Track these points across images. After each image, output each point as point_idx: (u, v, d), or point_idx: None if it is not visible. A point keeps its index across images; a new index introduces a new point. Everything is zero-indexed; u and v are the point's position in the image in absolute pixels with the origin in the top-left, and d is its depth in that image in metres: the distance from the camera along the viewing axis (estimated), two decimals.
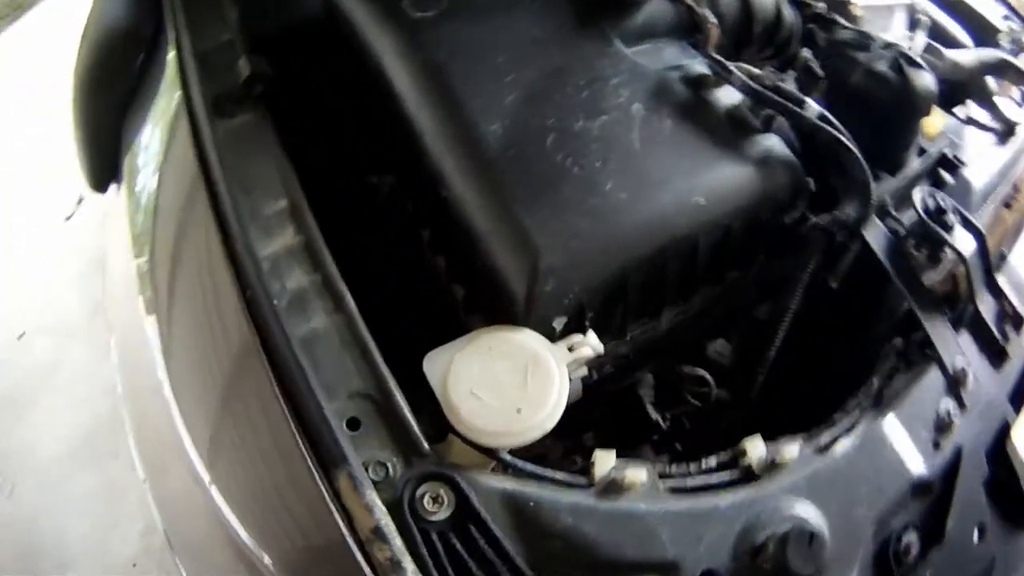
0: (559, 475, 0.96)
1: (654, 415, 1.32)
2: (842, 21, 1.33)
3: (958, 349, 1.12)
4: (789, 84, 1.31)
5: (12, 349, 3.17)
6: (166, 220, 1.33)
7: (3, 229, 3.54)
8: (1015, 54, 1.52)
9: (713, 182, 1.13)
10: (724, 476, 1.00)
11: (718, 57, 1.23)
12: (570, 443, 1.33)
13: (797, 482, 0.99)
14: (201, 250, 1.16)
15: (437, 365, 0.99)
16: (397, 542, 0.86)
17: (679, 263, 1.14)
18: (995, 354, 1.17)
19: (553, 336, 1.06)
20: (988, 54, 1.45)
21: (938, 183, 1.35)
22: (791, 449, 1.00)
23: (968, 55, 1.43)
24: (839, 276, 1.24)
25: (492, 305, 1.13)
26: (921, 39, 1.50)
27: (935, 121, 1.34)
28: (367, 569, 0.86)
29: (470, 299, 1.22)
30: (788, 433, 1.05)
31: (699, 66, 1.26)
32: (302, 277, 1.07)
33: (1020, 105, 1.48)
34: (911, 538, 1.01)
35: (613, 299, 1.12)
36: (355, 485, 0.89)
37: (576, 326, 1.09)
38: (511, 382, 0.96)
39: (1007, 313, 1.18)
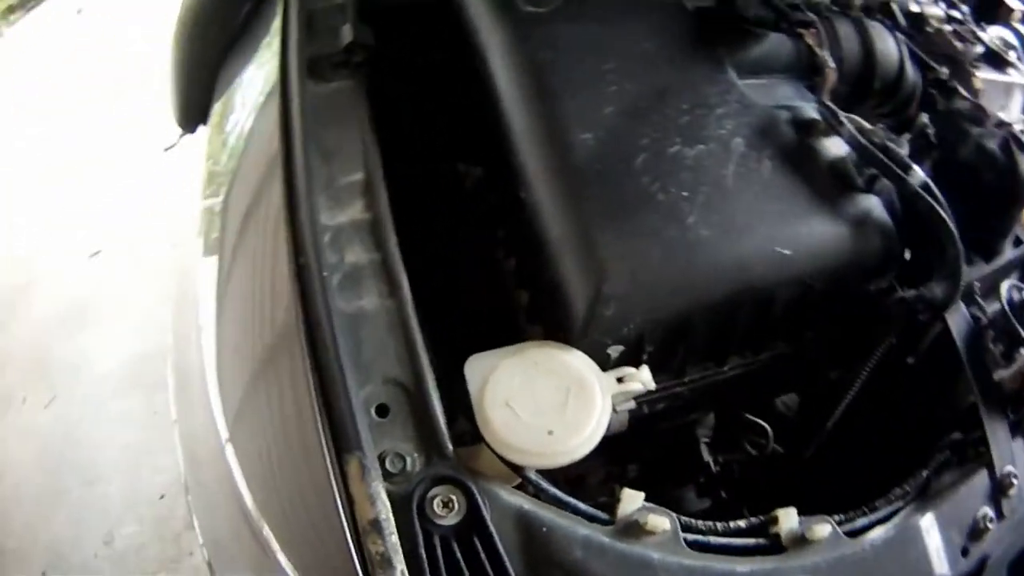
0: (581, 505, 0.95)
1: (707, 456, 1.30)
2: (962, 91, 1.28)
3: (1011, 455, 1.08)
4: (903, 147, 1.26)
5: (84, 266, 3.30)
6: (247, 168, 1.36)
7: (107, 151, 3.71)
8: None
9: (802, 235, 1.09)
10: (750, 541, 0.97)
11: (831, 105, 1.19)
12: (614, 469, 1.32)
13: (820, 564, 0.96)
14: (268, 208, 1.17)
15: (479, 369, 0.98)
16: (392, 539, 0.85)
17: (751, 314, 1.10)
18: None
19: (606, 363, 1.05)
20: None
21: None
22: (823, 528, 0.97)
23: None
24: (917, 353, 1.19)
25: (550, 318, 1.12)
26: None
27: None
28: (356, 559, 0.86)
29: (533, 307, 1.20)
30: (828, 501, 1.03)
31: (811, 110, 1.22)
32: (362, 254, 1.07)
33: None
34: None
35: (675, 337, 1.09)
36: (363, 473, 0.88)
37: (633, 358, 1.07)
38: (550, 402, 0.95)
39: None
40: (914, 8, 1.32)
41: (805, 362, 1.23)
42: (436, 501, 0.89)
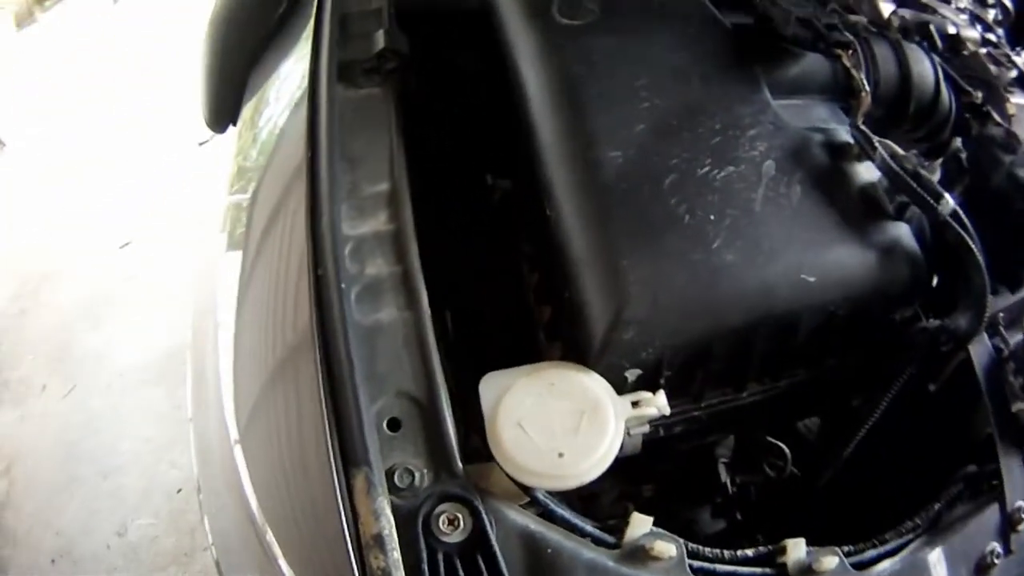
0: (589, 527, 0.95)
1: (724, 477, 1.30)
2: (996, 116, 1.27)
3: (1023, 490, 1.07)
4: (935, 172, 1.26)
5: (113, 256, 3.37)
6: (275, 168, 1.37)
7: (141, 147, 3.78)
8: None
9: (829, 262, 1.08)
10: (756, 571, 0.97)
11: (865, 129, 1.18)
12: (628, 488, 1.33)
13: None
14: (292, 213, 1.19)
15: (494, 388, 0.99)
16: (394, 555, 0.87)
17: (772, 340, 1.10)
18: None
19: (623, 387, 1.05)
20: None
21: None
22: (830, 560, 0.97)
23: None
24: (939, 382, 1.19)
25: (569, 337, 1.12)
26: None
27: None
28: (357, 572, 0.87)
29: (553, 324, 1.21)
30: (841, 528, 1.04)
31: (844, 134, 1.21)
32: (383, 266, 1.08)
33: None
34: None
35: (694, 362, 1.09)
36: (369, 488, 0.90)
37: (650, 382, 1.07)
38: (563, 424, 0.95)
39: None
40: (951, 30, 1.31)
41: (825, 389, 1.23)
42: (442, 518, 0.90)
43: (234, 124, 1.60)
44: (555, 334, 1.20)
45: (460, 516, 0.90)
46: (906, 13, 1.30)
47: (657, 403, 1.02)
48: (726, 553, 0.99)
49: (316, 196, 1.12)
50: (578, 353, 1.07)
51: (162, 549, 2.52)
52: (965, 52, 1.33)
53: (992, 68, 1.31)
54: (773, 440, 1.31)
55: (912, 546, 1.03)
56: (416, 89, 1.33)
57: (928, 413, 1.21)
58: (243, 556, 1.18)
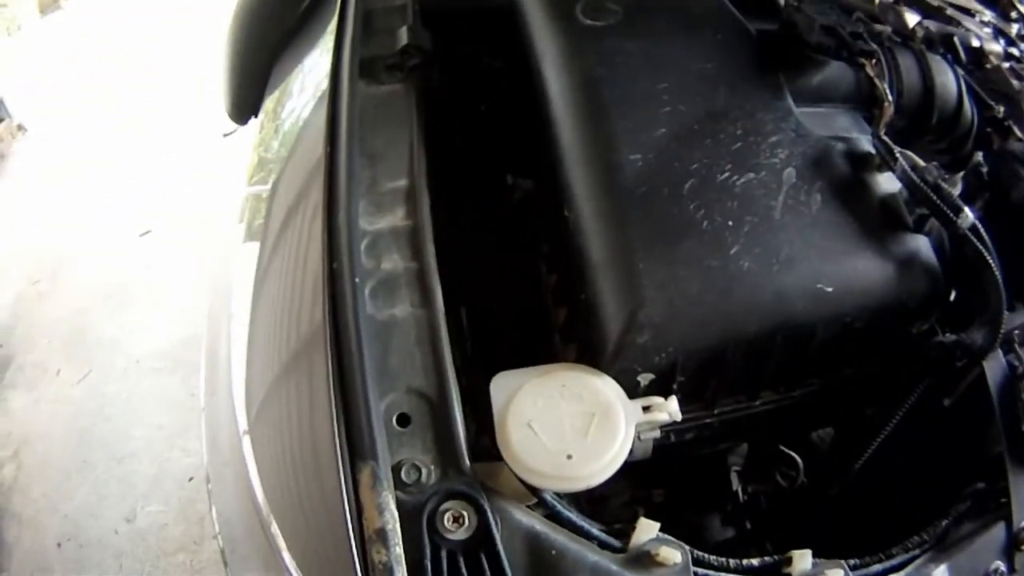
0: (595, 531, 0.96)
1: (736, 485, 1.31)
2: (1017, 131, 1.27)
3: None
4: (956, 185, 1.26)
5: (133, 245, 3.40)
6: (295, 160, 1.38)
7: (163, 141, 3.82)
8: None
9: (846, 272, 1.09)
10: None
11: (887, 139, 1.18)
12: (639, 492, 1.33)
13: None
14: (310, 206, 1.19)
15: (505, 387, 1.00)
16: (397, 550, 0.87)
17: (787, 349, 1.10)
18: None
19: (635, 390, 1.06)
20: None
21: None
22: (836, 573, 0.97)
23: None
24: (953, 397, 1.18)
25: (584, 339, 1.13)
26: None
27: None
28: (359, 567, 0.87)
29: (569, 326, 1.22)
30: (849, 540, 1.05)
31: (866, 143, 1.22)
32: (399, 262, 1.09)
33: None
34: None
35: (708, 369, 1.09)
36: (374, 482, 0.90)
37: (663, 387, 1.08)
38: (573, 427, 0.96)
39: None
40: (975, 43, 1.31)
41: (839, 399, 1.23)
42: (447, 515, 0.91)
43: (255, 116, 1.62)
44: (570, 336, 1.21)
45: (465, 514, 0.91)
46: (931, 24, 1.29)
47: (669, 408, 1.02)
48: (731, 562, 0.99)
49: (334, 190, 1.13)
50: (592, 355, 1.07)
51: (170, 536, 2.52)
52: (988, 65, 1.33)
53: (1015, 82, 1.30)
54: (785, 450, 1.31)
55: (918, 562, 1.03)
56: (439, 86, 1.34)
57: (941, 427, 1.21)
58: (248, 546, 1.19)
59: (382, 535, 0.88)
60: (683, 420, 1.09)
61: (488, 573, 0.89)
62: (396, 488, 0.92)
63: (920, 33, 1.31)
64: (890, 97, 1.22)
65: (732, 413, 1.17)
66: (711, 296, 1.04)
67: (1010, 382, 1.12)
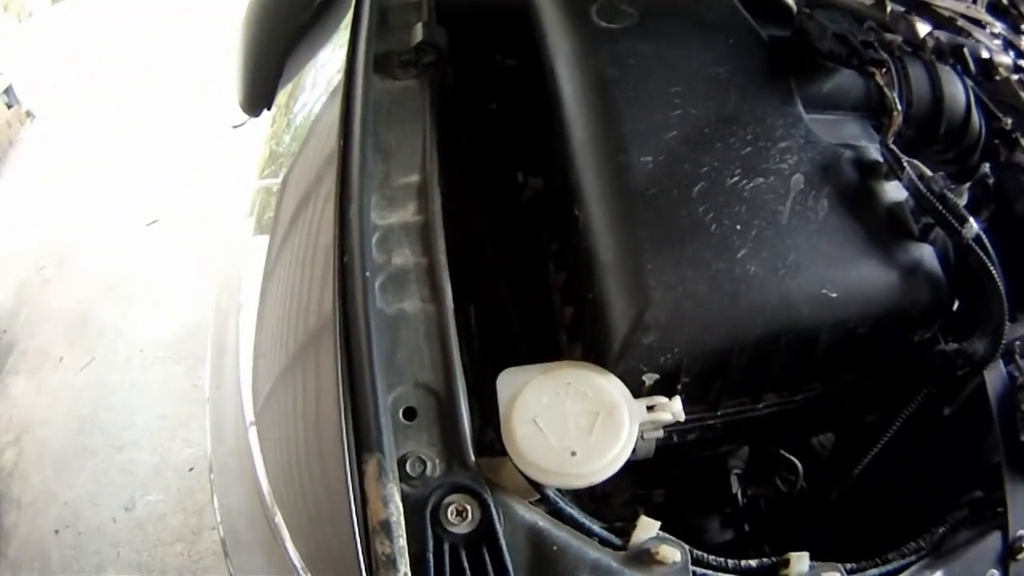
0: (596, 528, 0.97)
1: (735, 488, 1.32)
2: (1023, 142, 1.28)
3: None
4: (963, 196, 1.27)
5: (140, 234, 3.42)
6: (307, 154, 1.40)
7: (167, 136, 3.85)
8: None
9: (851, 279, 1.10)
10: None
11: (894, 148, 1.19)
12: (640, 491, 1.35)
13: None
14: (321, 200, 1.21)
15: (511, 383, 1.01)
16: (400, 541, 0.88)
17: (792, 353, 1.12)
18: None
19: (640, 390, 1.07)
20: None
21: None
22: None
23: None
24: (954, 405, 1.20)
25: (590, 338, 1.14)
26: None
27: None
28: (362, 557, 0.88)
29: (575, 325, 1.23)
30: (847, 545, 1.06)
31: (874, 152, 1.23)
32: (409, 257, 1.11)
33: None
34: None
35: (713, 371, 1.11)
36: (380, 474, 0.91)
37: (667, 388, 1.09)
38: (577, 424, 0.97)
39: None
40: (984, 55, 1.31)
41: (840, 404, 1.25)
42: (451, 508, 0.92)
43: (268, 108, 1.63)
44: (576, 335, 1.22)
45: (469, 507, 0.93)
46: (941, 35, 1.30)
47: (673, 409, 1.04)
48: (730, 562, 1.01)
49: (346, 184, 1.14)
50: (598, 354, 1.09)
51: (169, 526, 2.54)
52: (997, 77, 1.33)
53: (1023, 95, 1.31)
54: (786, 454, 1.32)
55: (913, 568, 1.04)
56: (453, 84, 1.35)
57: (941, 436, 1.23)
58: (250, 536, 1.20)
59: (386, 527, 0.89)
60: (686, 421, 1.10)
61: (490, 567, 0.90)
62: (401, 481, 0.94)
63: (930, 43, 1.32)
64: (899, 106, 1.24)
65: (735, 415, 1.19)
66: (718, 298, 1.06)
67: (1010, 393, 1.13)
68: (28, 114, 4.07)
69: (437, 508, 0.93)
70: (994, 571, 1.05)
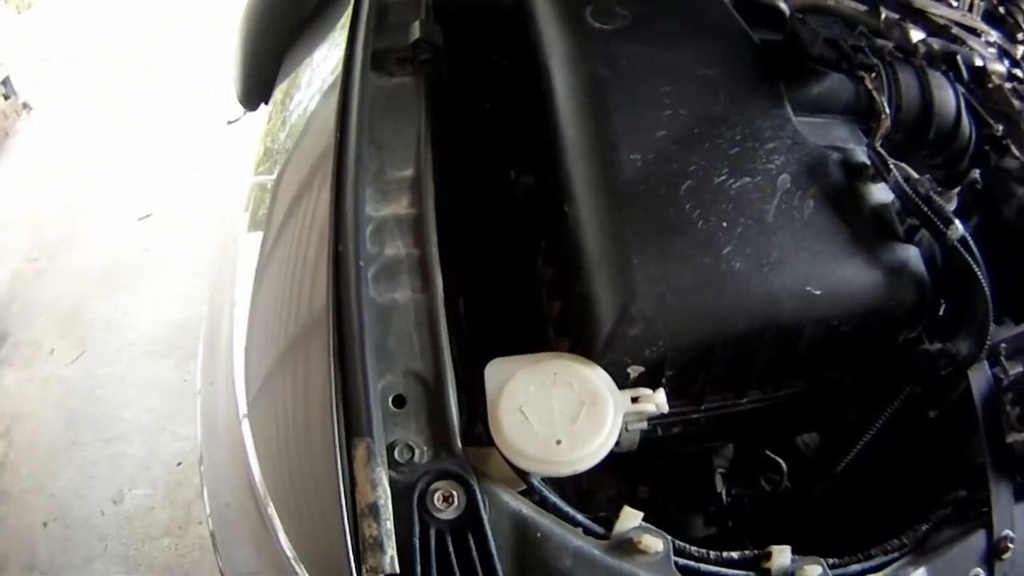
0: (580, 517, 1.00)
1: (720, 487, 1.34)
2: (1014, 149, 1.31)
3: (1011, 520, 1.10)
4: (952, 200, 1.30)
5: (132, 227, 3.44)
6: (302, 150, 1.42)
7: (165, 134, 3.88)
8: None
9: (835, 277, 1.13)
10: (740, 573, 1.01)
11: (881, 151, 1.22)
12: (625, 488, 1.37)
13: None
14: (316, 193, 1.23)
15: (499, 373, 1.04)
16: (387, 524, 0.90)
17: (775, 349, 1.14)
18: None
19: (625, 382, 1.10)
20: None
21: None
22: (813, 570, 1.01)
23: None
24: (941, 408, 1.23)
25: (577, 331, 1.17)
26: None
27: None
28: (349, 539, 0.90)
29: (562, 319, 1.26)
30: (830, 543, 1.07)
31: (861, 154, 1.26)
32: (401, 248, 1.14)
33: None
34: None
35: (696, 364, 1.14)
36: (369, 457, 0.94)
37: (651, 380, 1.11)
38: (563, 413, 1.00)
39: None
40: (978, 62, 1.34)
41: (824, 402, 1.27)
42: (437, 494, 0.95)
43: (266, 103, 1.66)
44: (563, 329, 1.25)
45: (455, 493, 0.95)
46: (934, 42, 1.32)
47: (656, 400, 1.07)
48: (712, 554, 1.03)
49: (342, 176, 1.17)
50: (584, 347, 1.11)
51: (156, 520, 2.56)
52: (990, 84, 1.35)
53: (1016, 103, 1.33)
54: (771, 454, 1.35)
55: (896, 564, 1.06)
56: (448, 81, 1.38)
57: (926, 436, 1.25)
58: (241, 528, 1.21)
59: (374, 510, 0.91)
60: (670, 414, 1.13)
61: (475, 552, 0.93)
62: (389, 467, 0.96)
63: (922, 49, 1.35)
64: (887, 110, 1.27)
65: (719, 410, 1.21)
66: (702, 293, 1.09)
67: (994, 394, 1.16)
68: (25, 106, 4.09)
69: (424, 494, 0.95)
70: (979, 570, 1.07)
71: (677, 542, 1.01)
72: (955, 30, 1.43)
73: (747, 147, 1.22)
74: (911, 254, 1.17)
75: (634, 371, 1.10)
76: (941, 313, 1.21)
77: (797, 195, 1.18)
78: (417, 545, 0.93)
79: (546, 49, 1.35)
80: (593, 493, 1.36)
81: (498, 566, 0.92)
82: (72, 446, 2.75)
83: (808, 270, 1.12)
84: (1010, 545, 1.07)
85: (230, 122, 3.45)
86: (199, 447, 1.42)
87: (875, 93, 1.28)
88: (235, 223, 1.52)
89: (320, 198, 1.20)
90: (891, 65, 1.32)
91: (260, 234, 1.39)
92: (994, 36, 1.48)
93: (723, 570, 1.02)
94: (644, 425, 1.11)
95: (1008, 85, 1.36)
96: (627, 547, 0.98)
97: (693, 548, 1.02)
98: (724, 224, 1.13)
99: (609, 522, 1.00)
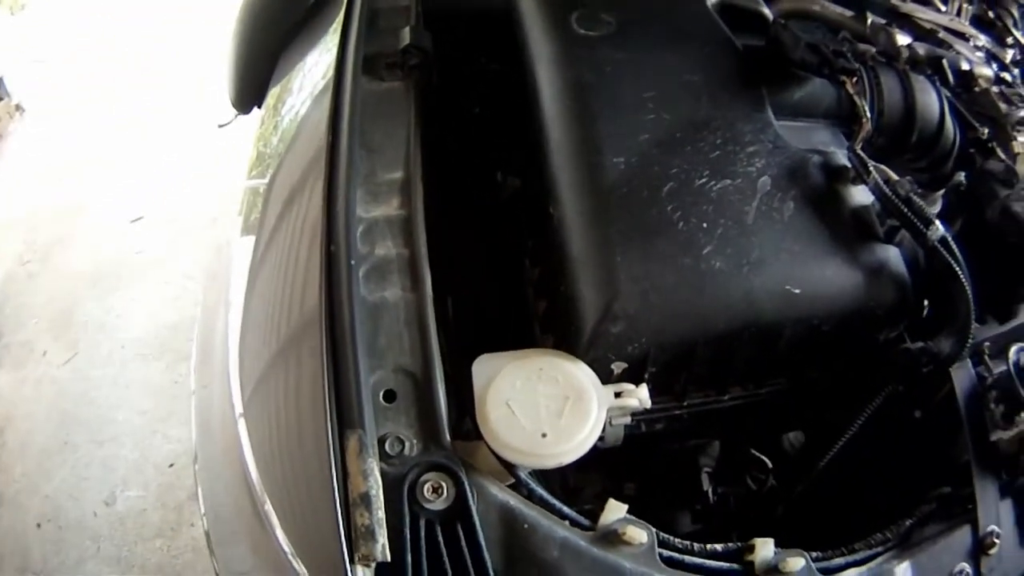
0: (566, 509, 1.04)
1: (706, 485, 1.38)
2: (999, 152, 1.33)
3: (996, 516, 1.13)
4: (935, 203, 1.33)
5: (125, 230, 3.47)
6: (294, 153, 1.46)
7: (162, 136, 3.91)
8: None
9: (815, 277, 1.16)
10: (723, 565, 1.05)
11: (861, 154, 1.25)
12: (611, 485, 1.41)
13: None
14: (308, 194, 1.27)
15: (486, 369, 1.08)
16: (379, 514, 0.94)
17: (755, 348, 1.18)
18: None
19: (609, 378, 1.14)
20: None
21: None
22: (797, 562, 1.04)
23: None
24: (926, 407, 1.26)
25: (561, 329, 1.21)
26: None
27: None
28: (342, 529, 0.94)
29: (548, 317, 1.29)
30: (814, 538, 1.10)
31: (842, 157, 1.29)
32: (391, 248, 1.17)
33: None
34: None
35: (679, 362, 1.17)
36: (361, 449, 0.97)
37: (635, 376, 1.16)
38: (548, 407, 1.04)
39: None
40: (964, 67, 1.36)
41: (805, 400, 1.31)
42: (427, 486, 0.98)
43: (259, 106, 1.69)
44: (549, 327, 1.29)
45: (444, 485, 0.99)
46: (920, 47, 1.35)
47: (639, 395, 1.11)
48: (695, 546, 1.07)
49: (334, 178, 1.21)
50: (569, 344, 1.15)
51: (149, 522, 2.59)
52: (976, 88, 1.38)
53: (1002, 106, 1.36)
54: (756, 453, 1.39)
55: (880, 558, 1.10)
56: (437, 85, 1.42)
57: (910, 434, 1.29)
58: (236, 527, 1.24)
59: (366, 499, 0.95)
60: (653, 410, 1.17)
61: (464, 542, 0.96)
62: (380, 459, 0.99)
63: (905, 54, 1.38)
64: (868, 114, 1.30)
65: (701, 406, 1.25)
66: (683, 291, 1.12)
67: (978, 392, 1.19)
68: (18, 107, 4.11)
69: (414, 485, 0.99)
70: (964, 564, 1.10)
71: (661, 534, 1.04)
72: (942, 34, 1.46)
73: (728, 150, 1.26)
74: (891, 254, 1.21)
75: (617, 367, 1.14)
76: (925, 314, 1.24)
77: (777, 197, 1.21)
78: (407, 535, 0.96)
79: (532, 55, 1.39)
80: (580, 490, 1.39)
81: (486, 556, 0.95)
82: (65, 448, 2.78)
83: (787, 270, 1.16)
84: (996, 540, 1.11)
85: (221, 126, 3.48)
86: (194, 447, 1.44)
87: (856, 97, 1.31)
88: (228, 226, 1.54)
89: (312, 200, 1.23)
90: (873, 70, 1.35)
91: (253, 238, 1.43)
92: (982, 40, 1.51)
93: (707, 562, 1.05)
94: (628, 420, 1.15)
95: (995, 89, 1.38)
96: (612, 538, 1.01)
97: (677, 540, 1.06)
98: (704, 225, 1.17)
99: (595, 515, 1.04)
